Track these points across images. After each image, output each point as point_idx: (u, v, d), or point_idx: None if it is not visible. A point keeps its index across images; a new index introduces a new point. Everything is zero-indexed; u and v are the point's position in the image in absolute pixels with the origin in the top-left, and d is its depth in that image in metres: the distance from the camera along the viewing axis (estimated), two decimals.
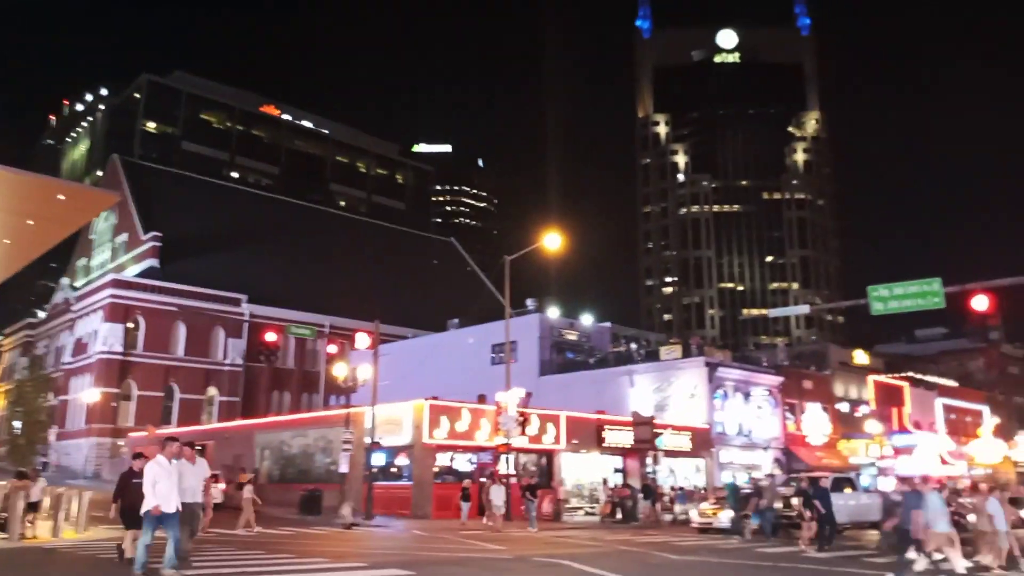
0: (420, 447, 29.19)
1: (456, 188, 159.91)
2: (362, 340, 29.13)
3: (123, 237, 68.06)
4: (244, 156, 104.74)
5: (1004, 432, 58.96)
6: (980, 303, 18.68)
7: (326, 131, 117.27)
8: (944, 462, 50.53)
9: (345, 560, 14.78)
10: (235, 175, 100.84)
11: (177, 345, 58.68)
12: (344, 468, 27.81)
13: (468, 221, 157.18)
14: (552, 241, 28.71)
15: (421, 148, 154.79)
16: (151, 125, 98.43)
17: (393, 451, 30.47)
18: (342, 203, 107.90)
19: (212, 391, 59.92)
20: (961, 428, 56.37)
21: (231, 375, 60.45)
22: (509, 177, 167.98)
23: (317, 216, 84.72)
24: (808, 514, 17.12)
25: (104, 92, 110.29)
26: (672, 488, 33.65)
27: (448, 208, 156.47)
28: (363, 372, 28.68)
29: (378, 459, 29.73)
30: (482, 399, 32.80)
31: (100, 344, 55.83)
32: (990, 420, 58.59)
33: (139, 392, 56.69)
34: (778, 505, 22.96)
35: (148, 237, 62.81)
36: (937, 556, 13.96)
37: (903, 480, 20.78)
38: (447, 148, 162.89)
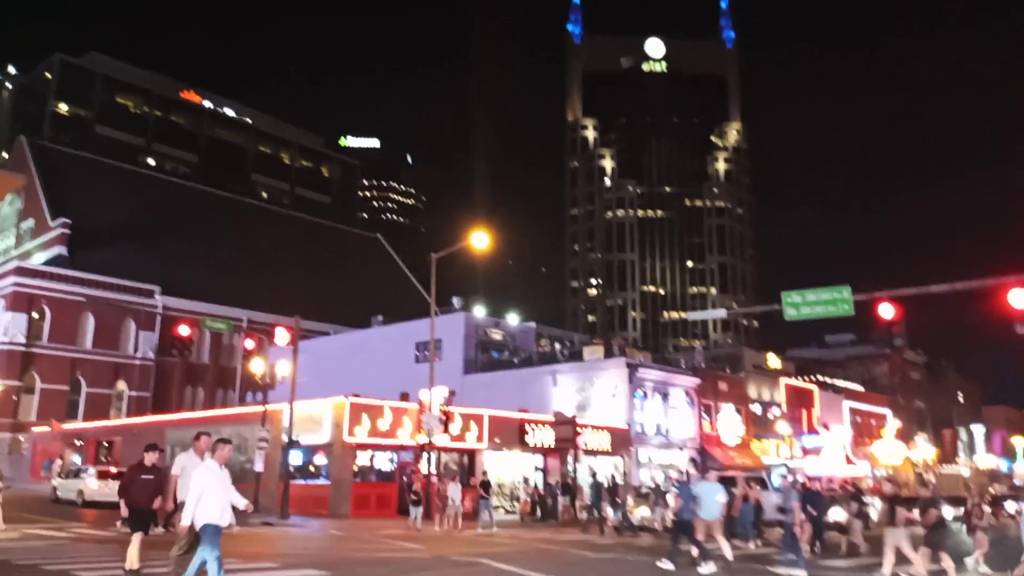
0: (340, 445, 28.68)
1: (383, 184, 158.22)
2: (281, 336, 28.43)
3: (29, 223, 64.65)
4: (162, 143, 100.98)
5: (905, 434, 62.14)
6: (886, 311, 19.56)
7: (248, 120, 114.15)
8: (849, 462, 52.86)
9: (258, 560, 14.38)
10: (152, 162, 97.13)
11: (85, 337, 56.11)
12: (259, 467, 27.11)
13: (395, 218, 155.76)
14: (479, 240, 28.64)
15: (348, 142, 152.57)
16: (63, 107, 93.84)
17: (311, 449, 29.85)
18: (264, 195, 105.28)
19: (121, 385, 57.53)
20: (866, 430, 59.09)
21: (142, 369, 58.18)
22: (438, 175, 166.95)
23: (237, 207, 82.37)
24: (801, 517, 16.95)
25: (12, 71, 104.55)
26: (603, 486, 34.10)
27: (375, 204, 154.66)
28: (282, 369, 28.02)
29: (296, 457, 29.08)
30: (405, 397, 32.49)
31: (1, 335, 52.90)
32: (892, 423, 61.65)
33: (43, 385, 53.94)
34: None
35: (57, 224, 59.86)
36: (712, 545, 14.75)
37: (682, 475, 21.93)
38: (375, 143, 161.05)
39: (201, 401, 59.92)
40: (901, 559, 14.03)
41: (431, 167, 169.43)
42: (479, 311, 49.93)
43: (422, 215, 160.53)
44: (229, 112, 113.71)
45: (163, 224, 66.10)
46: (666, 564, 14.24)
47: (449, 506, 23.75)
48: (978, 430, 79.36)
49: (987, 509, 21.44)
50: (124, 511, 10.85)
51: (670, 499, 20.93)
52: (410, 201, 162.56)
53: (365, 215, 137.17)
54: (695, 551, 14.43)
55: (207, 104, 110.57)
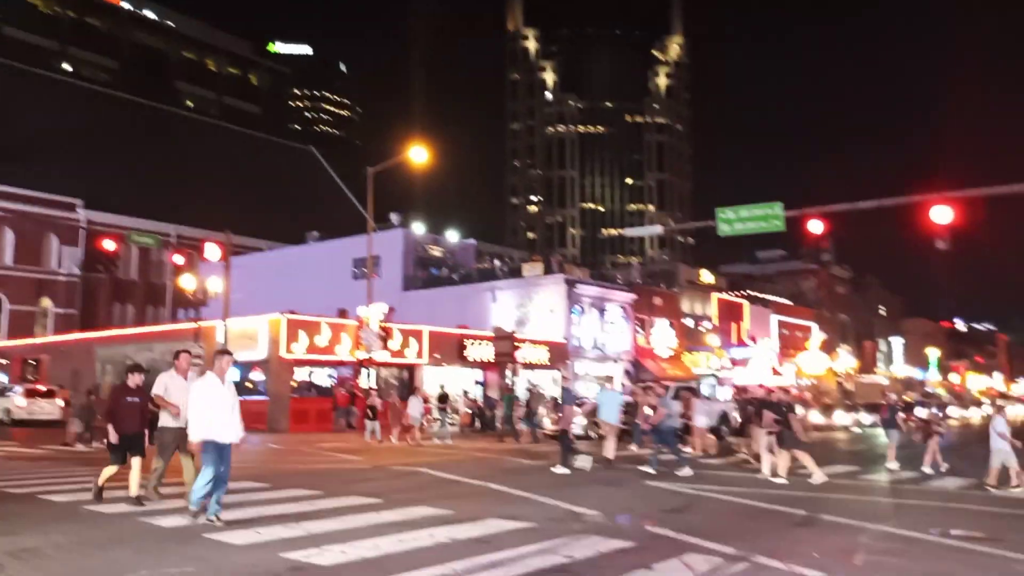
0: (276, 362, 28.49)
1: (316, 93, 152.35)
2: (212, 251, 27.65)
3: None
4: (78, 47, 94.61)
5: (828, 346, 65.04)
6: (815, 226, 20.07)
7: (171, 24, 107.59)
8: (776, 373, 55.20)
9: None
10: (68, 68, 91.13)
11: (3, 253, 53.60)
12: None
13: (329, 129, 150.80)
14: (417, 154, 28.02)
15: (277, 48, 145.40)
16: None
17: (248, 366, 29.57)
18: (189, 104, 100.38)
19: (46, 302, 55.50)
20: (792, 342, 61.57)
21: (67, 286, 56.13)
22: (373, 85, 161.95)
23: (162, 117, 78.47)
24: (767, 430, 17.56)
25: None
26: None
27: (308, 115, 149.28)
28: (214, 285, 27.38)
29: (232, 374, 28.78)
30: (343, 314, 32.30)
31: None
32: (817, 335, 64.37)
33: None
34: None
35: None
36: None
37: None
38: (306, 50, 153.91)
39: (131, 318, 58.36)
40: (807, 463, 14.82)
41: (366, 77, 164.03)
42: (418, 227, 49.42)
43: (358, 127, 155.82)
44: (149, 15, 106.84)
45: (83, 135, 62.66)
46: (560, 470, 15.19)
47: (412, 420, 24.07)
48: (897, 342, 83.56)
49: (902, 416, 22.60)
50: (113, 437, 10.00)
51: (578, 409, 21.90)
52: (345, 112, 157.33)
53: (297, 127, 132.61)
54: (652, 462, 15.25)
55: (125, 5, 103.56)
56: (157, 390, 10.19)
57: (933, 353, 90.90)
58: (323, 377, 31.28)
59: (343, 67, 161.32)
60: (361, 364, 28.60)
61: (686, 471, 14.92)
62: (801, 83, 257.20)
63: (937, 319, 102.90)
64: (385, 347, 29.37)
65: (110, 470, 10.16)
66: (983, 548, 8.35)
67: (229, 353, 9.08)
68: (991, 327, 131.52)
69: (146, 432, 10.36)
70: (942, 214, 17.39)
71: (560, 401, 16.40)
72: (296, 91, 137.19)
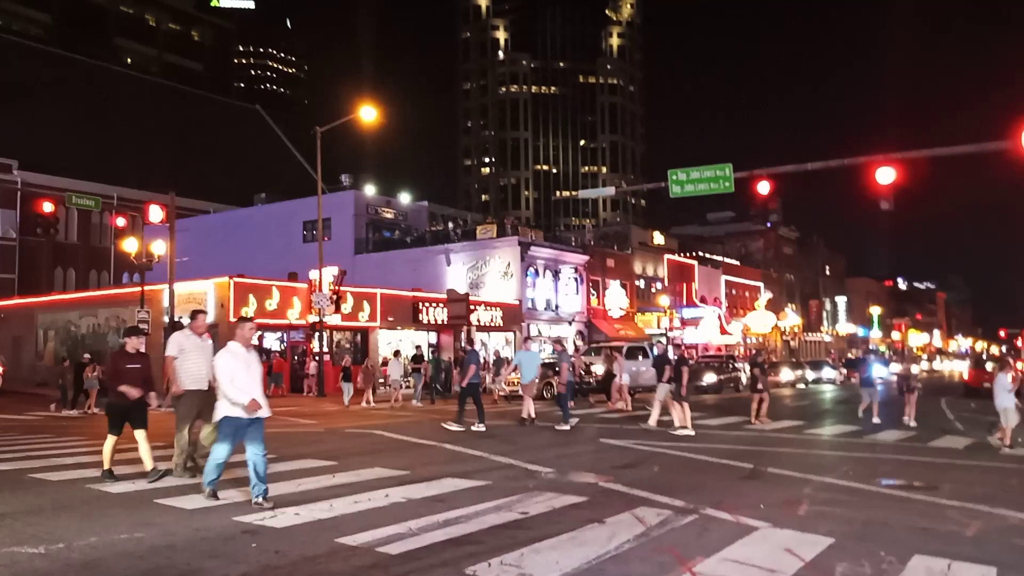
0: (225, 326, 27.97)
1: (261, 51, 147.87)
2: (155, 213, 26.86)
3: None
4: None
5: (775, 305, 66.56)
6: (763, 187, 20.36)
7: None
8: (724, 332, 56.37)
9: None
10: None
11: None
12: (140, 348, 26.21)
13: (275, 88, 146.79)
14: (367, 114, 27.50)
15: (220, 2, 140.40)
16: None
17: None
18: (129, 60, 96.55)
19: None
20: (740, 302, 62.84)
21: (4, 250, 54.06)
22: (321, 43, 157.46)
23: (101, 74, 75.30)
24: (759, 387, 17.93)
25: None
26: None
27: (253, 72, 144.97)
28: (158, 248, 26.68)
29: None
30: (293, 277, 31.86)
31: None
32: (765, 295, 65.78)
33: None
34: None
35: None
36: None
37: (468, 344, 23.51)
38: (249, 3, 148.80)
39: (74, 283, 56.64)
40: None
41: (313, 34, 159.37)
42: (369, 189, 48.77)
43: (305, 86, 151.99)
44: None
45: (16, 92, 59.81)
46: (453, 426, 15.67)
47: (392, 383, 23.95)
48: (841, 300, 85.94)
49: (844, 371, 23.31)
50: (132, 392, 9.19)
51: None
52: (291, 70, 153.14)
53: (242, 84, 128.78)
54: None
55: None
56: (171, 351, 9.41)
57: (875, 311, 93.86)
58: (274, 341, 30.91)
59: (289, 23, 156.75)
60: (313, 328, 28.31)
61: (564, 426, 15.92)
62: (753, 47, 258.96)
63: (880, 278, 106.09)
64: (337, 310, 29.11)
65: (109, 443, 9.23)
66: (920, 496, 8.72)
67: (250, 320, 8.36)
68: (931, 286, 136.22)
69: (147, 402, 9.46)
70: (885, 175, 17.80)
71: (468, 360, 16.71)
72: (240, 48, 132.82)
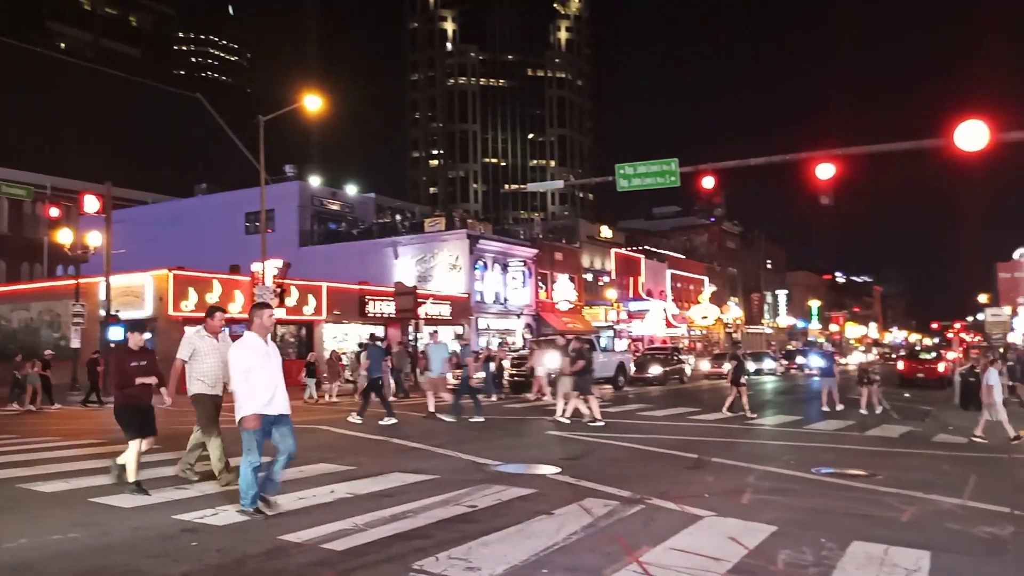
0: (164, 320, 27.29)
1: (203, 37, 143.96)
2: (91, 203, 25.96)
3: None
4: None
5: (718, 298, 67.80)
6: (708, 182, 20.69)
7: None
8: (669, 325, 57.21)
9: (79, 438, 13.64)
10: None
11: None
12: (76, 343, 25.39)
13: (217, 76, 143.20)
14: (312, 103, 26.96)
15: None
16: None
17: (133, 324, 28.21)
18: (63, 45, 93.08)
19: None
20: (685, 295, 63.82)
21: None
22: (265, 30, 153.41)
23: (33, 60, 72.39)
24: (743, 381, 18.18)
25: None
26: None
27: (194, 60, 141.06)
28: (94, 239, 25.83)
29: (117, 333, 27.41)
30: (235, 270, 31.21)
31: None
32: (708, 288, 66.95)
33: None
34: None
35: None
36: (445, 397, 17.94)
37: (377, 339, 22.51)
38: None
39: (4, 275, 54.45)
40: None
41: (257, 20, 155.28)
42: (315, 180, 48.04)
43: (248, 74, 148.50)
44: None
45: None
46: (355, 418, 15.88)
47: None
48: (782, 294, 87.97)
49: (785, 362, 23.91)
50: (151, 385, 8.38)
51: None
52: (234, 58, 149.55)
53: (182, 72, 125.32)
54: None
55: None
56: (182, 354, 8.56)
57: (815, 304, 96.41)
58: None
59: (231, 9, 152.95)
60: None
61: (479, 418, 16.16)
62: (700, 44, 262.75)
63: (819, 272, 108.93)
64: (281, 304, 28.59)
65: (131, 453, 8.05)
66: (859, 484, 8.97)
67: (269, 307, 7.50)
68: (868, 279, 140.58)
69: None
70: (825, 171, 18.24)
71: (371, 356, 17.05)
72: (180, 35, 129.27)
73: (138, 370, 8.27)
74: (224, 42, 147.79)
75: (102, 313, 26.05)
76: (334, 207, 46.58)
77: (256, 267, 28.05)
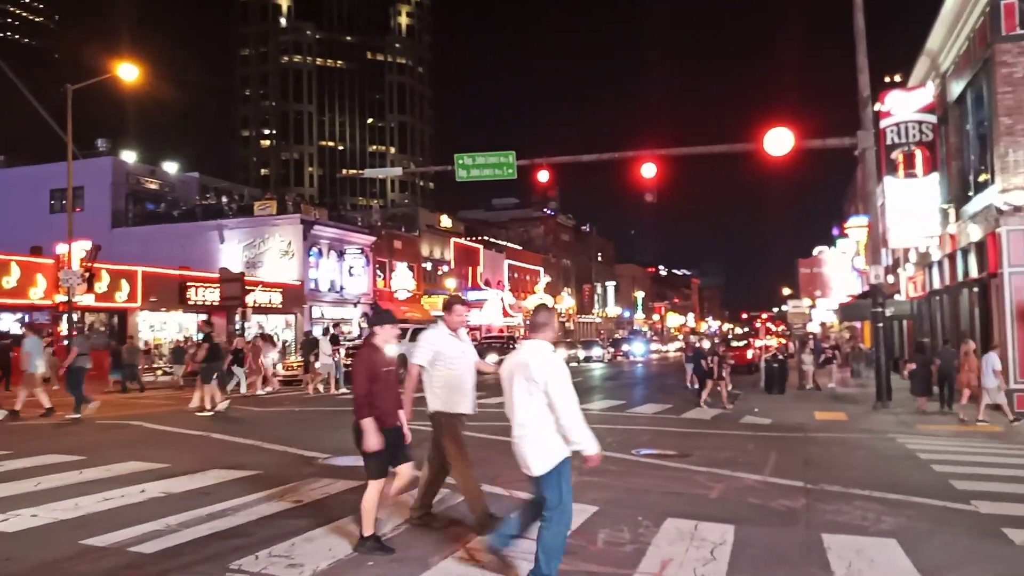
0: None
1: None
2: None
3: None
4: None
5: (553, 289, 69.98)
6: (543, 176, 21.37)
7: None
8: (506, 314, 58.36)
9: None
10: None
11: None
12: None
13: (19, 37, 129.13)
14: (127, 72, 24.90)
15: None
16: None
17: None
18: None
19: None
20: (521, 285, 65.31)
21: None
22: None
23: None
24: (725, 373, 17.78)
25: None
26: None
27: None
28: None
29: None
30: (37, 251, 28.46)
31: None
32: (544, 278, 68.92)
33: None
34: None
35: None
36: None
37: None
38: None
39: None
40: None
41: None
42: (130, 156, 44.62)
43: (56, 37, 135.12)
44: None
45: None
46: (71, 415, 14.81)
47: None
48: (610, 285, 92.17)
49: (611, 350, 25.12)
50: (375, 440, 5.73)
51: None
52: (39, 19, 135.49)
53: None
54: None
55: None
56: (421, 359, 6.41)
57: (640, 295, 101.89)
58: (11, 323, 27.34)
59: None
60: (60, 309, 25.39)
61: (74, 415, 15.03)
62: (539, 38, 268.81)
63: (644, 265, 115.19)
64: (90, 290, 26.36)
65: (372, 494, 5.78)
66: (674, 464, 9.57)
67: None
68: (687, 272, 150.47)
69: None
70: (649, 169, 19.33)
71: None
72: None
73: (390, 376, 5.95)
74: (28, 1, 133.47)
75: None
76: (152, 186, 43.47)
77: (61, 249, 25.62)
